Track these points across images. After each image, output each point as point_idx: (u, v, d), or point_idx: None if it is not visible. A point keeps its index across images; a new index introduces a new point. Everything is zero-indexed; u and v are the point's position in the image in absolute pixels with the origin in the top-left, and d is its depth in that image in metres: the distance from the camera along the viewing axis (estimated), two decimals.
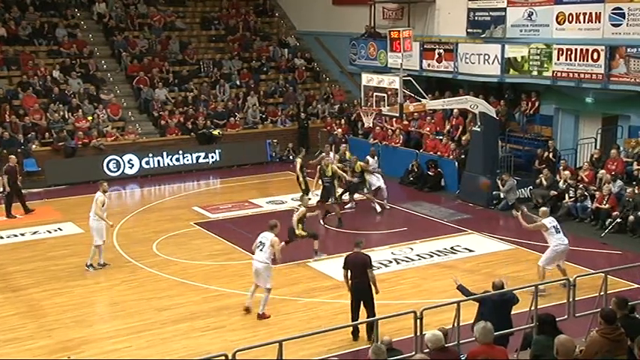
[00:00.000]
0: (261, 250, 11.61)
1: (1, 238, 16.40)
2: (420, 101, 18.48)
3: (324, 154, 18.01)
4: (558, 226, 12.43)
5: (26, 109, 22.72)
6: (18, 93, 23.38)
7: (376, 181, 18.09)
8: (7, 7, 25.96)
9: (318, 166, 16.73)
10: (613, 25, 17.93)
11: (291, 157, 24.28)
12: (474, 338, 7.27)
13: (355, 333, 10.69)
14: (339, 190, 17.17)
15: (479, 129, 18.39)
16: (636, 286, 12.27)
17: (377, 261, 14.19)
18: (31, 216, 18.04)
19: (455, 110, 20.72)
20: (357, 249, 10.92)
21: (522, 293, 9.83)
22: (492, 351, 7.01)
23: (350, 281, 10.73)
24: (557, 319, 7.97)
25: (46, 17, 26.46)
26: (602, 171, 17.13)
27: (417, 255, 14.69)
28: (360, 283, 10.62)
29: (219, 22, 29.18)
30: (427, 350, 8.16)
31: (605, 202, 16.30)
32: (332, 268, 13.84)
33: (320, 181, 16.69)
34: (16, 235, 16.53)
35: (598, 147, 18.40)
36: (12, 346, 10.97)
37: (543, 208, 13.10)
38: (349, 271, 10.74)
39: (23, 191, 18.57)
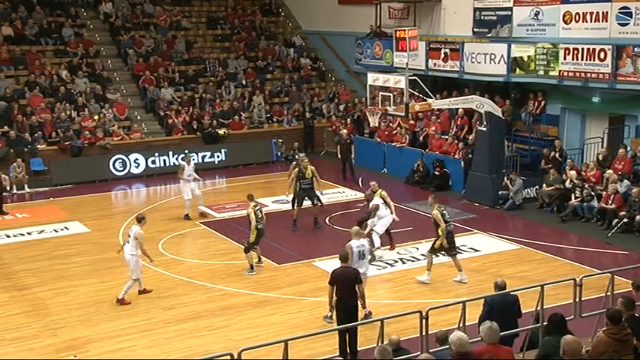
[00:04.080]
0: (128, 242, 12.29)
1: (8, 237, 16.44)
2: (425, 101, 18.44)
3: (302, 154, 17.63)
4: (364, 252, 11.30)
5: (33, 108, 22.77)
6: (25, 92, 23.45)
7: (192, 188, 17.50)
8: (14, 7, 26.03)
9: (295, 169, 16.06)
10: (620, 24, 17.86)
11: (296, 157, 24.28)
12: (480, 338, 7.24)
13: (344, 353, 10.01)
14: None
15: (485, 129, 18.34)
16: None
17: (382, 260, 14.22)
18: (37, 215, 18.08)
19: (460, 110, 20.68)
20: (345, 263, 10.42)
21: (528, 293, 9.79)
22: (498, 351, 6.98)
23: (336, 298, 10.13)
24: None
25: (52, 17, 26.52)
26: (609, 171, 17.06)
27: (423, 255, 14.62)
28: (348, 299, 10.09)
29: (225, 21, 29.21)
30: (437, 349, 8.16)
31: (611, 202, 16.23)
32: None
33: (298, 184, 15.96)
34: (22, 234, 16.57)
35: (605, 147, 18.33)
36: (17, 344, 10.99)
37: (355, 227, 11.90)
38: (336, 288, 10.11)
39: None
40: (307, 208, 16.51)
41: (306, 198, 16.09)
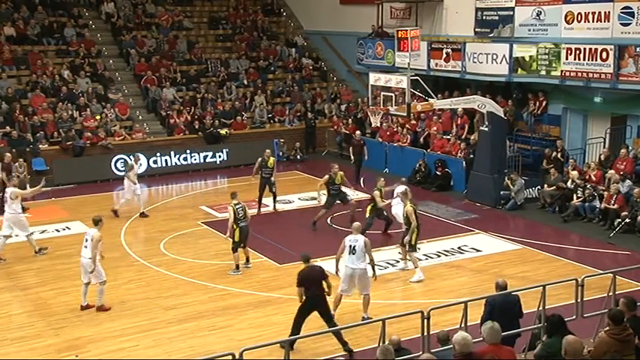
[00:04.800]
0: (86, 247, 11.90)
1: (10, 236, 16.43)
2: (427, 101, 18.44)
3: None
4: (355, 247, 11.22)
5: (35, 108, 22.79)
6: (27, 92, 23.48)
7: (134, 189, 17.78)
8: (16, 7, 26.07)
9: (326, 176, 16.55)
10: (622, 24, 17.84)
11: (298, 157, 24.31)
12: (481, 338, 7.23)
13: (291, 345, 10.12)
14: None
15: (486, 129, 18.33)
16: None
17: (384, 261, 14.21)
18: (39, 215, 18.08)
19: (460, 109, 20.67)
20: (308, 264, 10.61)
21: (529, 293, 9.79)
22: (500, 351, 6.97)
23: (305, 296, 10.33)
24: (565, 320, 7.92)
25: (54, 17, 26.56)
26: (611, 171, 17.04)
27: (425, 255, 14.64)
28: (317, 295, 10.31)
29: (227, 21, 29.21)
30: (439, 349, 8.16)
31: (613, 202, 16.22)
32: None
33: (327, 189, 16.58)
34: None
35: (607, 147, 18.31)
36: (19, 344, 11.00)
37: (356, 223, 11.97)
38: (304, 287, 10.32)
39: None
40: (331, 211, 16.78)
41: (337, 201, 16.65)
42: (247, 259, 14.06)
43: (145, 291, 13.03)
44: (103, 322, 11.68)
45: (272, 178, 17.89)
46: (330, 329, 10.10)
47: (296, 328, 10.32)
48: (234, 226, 13.60)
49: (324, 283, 10.41)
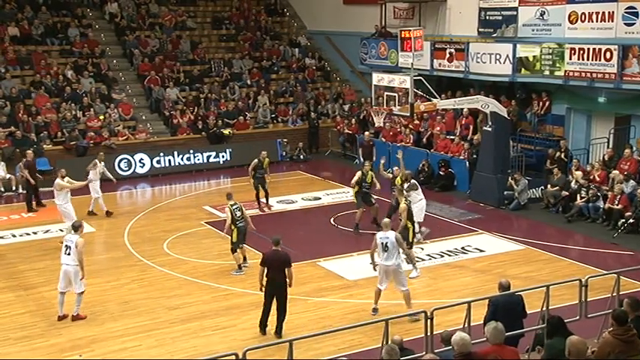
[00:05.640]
0: (68, 254, 11.55)
1: (14, 236, 16.49)
2: (431, 101, 18.42)
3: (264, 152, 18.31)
4: (387, 244, 11.30)
5: (38, 108, 22.84)
6: (30, 92, 23.52)
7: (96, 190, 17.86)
8: (20, 7, 26.13)
9: (359, 173, 16.39)
10: (626, 24, 17.80)
11: (301, 157, 24.31)
12: (485, 338, 7.22)
13: (263, 327, 10.97)
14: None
15: (490, 129, 18.30)
16: None
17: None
18: (43, 214, 18.13)
19: (464, 110, 20.64)
20: (276, 247, 10.91)
21: (533, 294, 9.77)
22: (503, 351, 6.96)
23: (266, 278, 10.81)
24: (569, 320, 7.91)
25: (58, 17, 26.60)
26: (615, 171, 17.01)
27: (428, 255, 14.64)
28: (277, 279, 10.75)
29: (230, 21, 29.23)
30: (442, 349, 8.15)
31: (617, 203, 16.18)
32: (342, 268, 13.87)
33: (359, 187, 16.28)
34: (28, 234, 16.62)
35: (610, 147, 18.27)
36: (23, 344, 11.02)
37: (385, 219, 12.11)
38: (267, 269, 10.81)
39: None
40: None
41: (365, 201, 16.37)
42: (244, 259, 14.09)
43: (148, 291, 13.04)
44: (106, 322, 11.69)
45: (265, 178, 18.22)
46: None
47: (266, 310, 10.92)
48: (233, 227, 13.66)
49: (286, 270, 10.74)
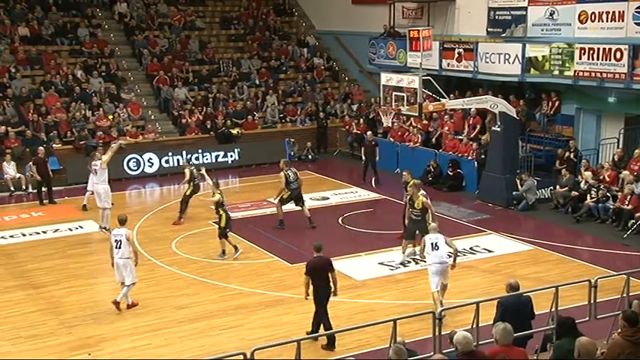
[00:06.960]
0: (119, 247, 11.89)
1: (23, 235, 16.56)
2: (439, 101, 18.38)
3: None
4: (437, 244, 11.54)
5: (48, 107, 22.95)
6: (40, 92, 23.63)
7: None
8: (31, 7, 26.25)
9: (407, 197, 14.45)
10: (636, 24, 17.71)
11: (309, 157, 24.30)
12: (493, 339, 7.20)
13: (332, 341, 10.42)
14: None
15: (499, 129, 18.25)
16: None
17: (395, 261, 14.18)
18: (52, 213, 18.21)
19: (472, 109, 20.59)
20: (319, 254, 10.74)
21: (542, 294, 9.73)
22: (511, 352, 6.95)
23: (313, 287, 10.56)
24: (578, 321, 7.88)
25: (68, 17, 26.71)
26: (625, 171, 16.92)
27: None
28: (324, 285, 10.59)
29: (239, 21, 29.27)
30: (451, 349, 8.13)
31: (627, 203, 16.10)
32: (350, 268, 13.85)
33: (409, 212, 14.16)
34: (37, 233, 16.68)
35: (620, 147, 18.18)
36: (33, 342, 11.07)
37: (433, 224, 12.34)
38: (312, 277, 10.57)
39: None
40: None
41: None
42: (236, 248, 14.50)
43: (157, 290, 13.07)
44: (115, 321, 11.73)
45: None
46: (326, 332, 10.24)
47: (326, 320, 10.61)
48: (221, 212, 14.19)
49: (329, 275, 10.62)
